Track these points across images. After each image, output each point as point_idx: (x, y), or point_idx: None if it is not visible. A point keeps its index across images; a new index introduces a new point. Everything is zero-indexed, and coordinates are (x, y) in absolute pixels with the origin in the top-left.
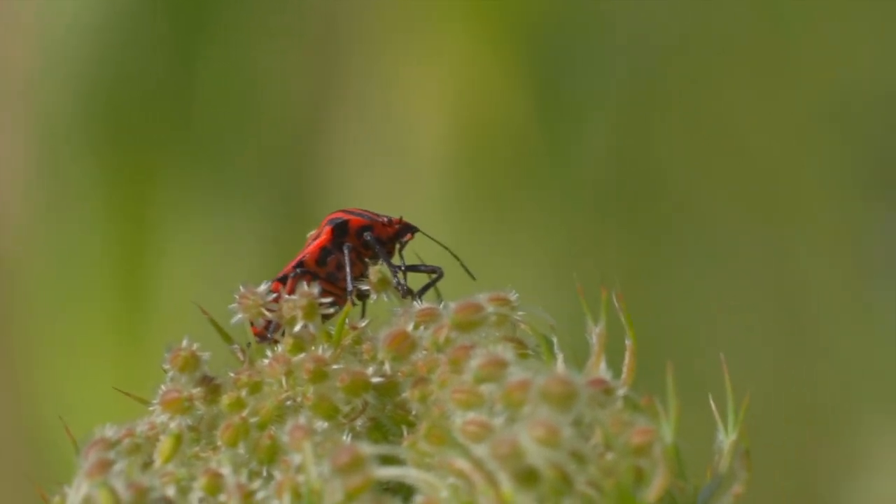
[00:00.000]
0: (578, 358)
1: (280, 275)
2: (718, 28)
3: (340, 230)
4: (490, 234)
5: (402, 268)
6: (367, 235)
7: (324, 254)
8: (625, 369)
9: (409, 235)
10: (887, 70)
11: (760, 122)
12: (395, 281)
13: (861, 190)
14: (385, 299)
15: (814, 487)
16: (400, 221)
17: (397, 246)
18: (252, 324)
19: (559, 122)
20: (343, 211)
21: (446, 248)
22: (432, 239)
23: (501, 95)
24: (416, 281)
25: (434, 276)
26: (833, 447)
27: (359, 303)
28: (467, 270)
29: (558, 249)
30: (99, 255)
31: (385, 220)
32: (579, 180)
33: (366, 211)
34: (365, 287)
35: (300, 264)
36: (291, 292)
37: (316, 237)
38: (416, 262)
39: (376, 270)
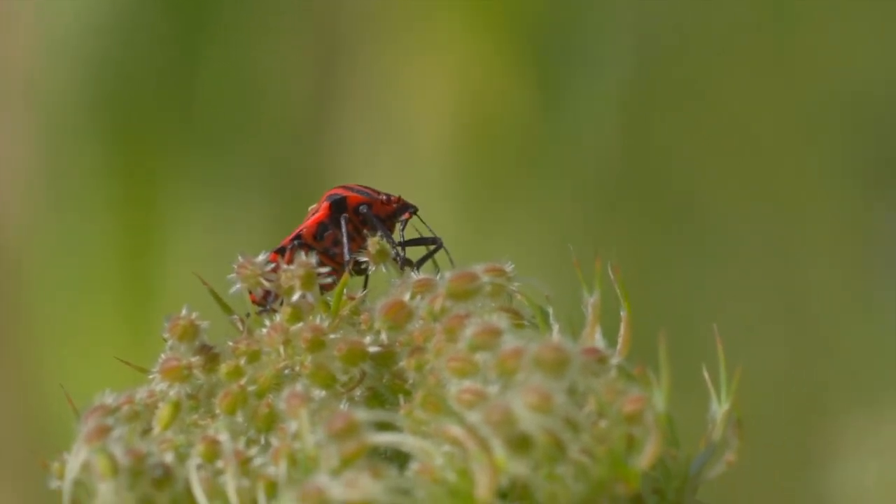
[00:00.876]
0: (577, 332)
1: (278, 247)
2: (720, 25)
3: (338, 206)
4: (493, 224)
5: (401, 242)
6: (364, 209)
7: (321, 229)
8: (620, 340)
9: (407, 214)
10: (887, 70)
11: (762, 121)
12: (393, 252)
13: (862, 189)
14: (383, 271)
15: (814, 486)
16: (398, 200)
17: (398, 225)
18: (250, 292)
19: (562, 113)
20: (342, 187)
21: (436, 237)
22: (425, 224)
23: (504, 87)
24: (416, 255)
25: (433, 247)
26: (833, 446)
27: (357, 276)
28: (451, 259)
29: (560, 240)
30: (103, 250)
31: (384, 197)
32: (582, 170)
33: (366, 188)
34: (363, 259)
35: (297, 238)
36: (290, 263)
37: (315, 212)
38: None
39: (375, 242)
